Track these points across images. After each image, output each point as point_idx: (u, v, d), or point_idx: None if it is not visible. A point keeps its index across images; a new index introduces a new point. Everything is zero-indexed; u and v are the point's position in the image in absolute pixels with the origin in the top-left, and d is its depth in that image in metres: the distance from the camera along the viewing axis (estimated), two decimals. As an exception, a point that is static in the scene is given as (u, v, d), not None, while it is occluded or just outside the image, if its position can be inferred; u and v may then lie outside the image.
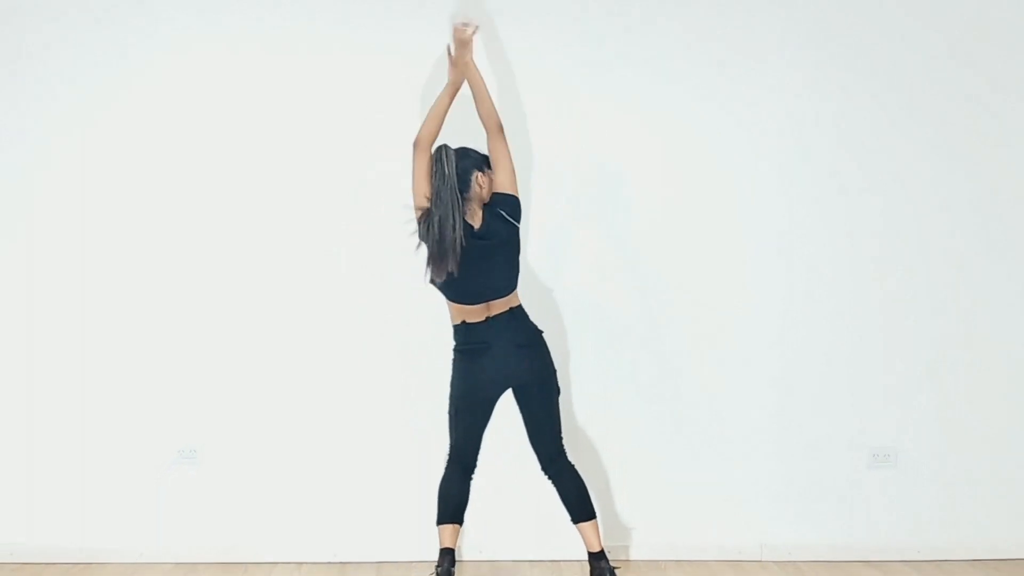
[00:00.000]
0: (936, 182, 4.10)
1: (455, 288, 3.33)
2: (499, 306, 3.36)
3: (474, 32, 3.34)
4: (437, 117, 3.39)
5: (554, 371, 3.47)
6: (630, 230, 4.05)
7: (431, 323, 3.94)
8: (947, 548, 4.09)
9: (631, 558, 4.00)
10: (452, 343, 3.47)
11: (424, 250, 3.33)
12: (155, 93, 3.97)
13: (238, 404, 4.03)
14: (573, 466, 3.50)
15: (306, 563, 3.98)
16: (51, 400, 4.01)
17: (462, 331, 3.40)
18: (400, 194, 3.75)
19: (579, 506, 3.45)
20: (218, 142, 4.00)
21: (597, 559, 3.43)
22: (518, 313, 3.41)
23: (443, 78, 3.60)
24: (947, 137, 4.10)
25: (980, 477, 4.11)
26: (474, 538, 3.96)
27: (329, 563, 3.99)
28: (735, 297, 4.08)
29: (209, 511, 4.02)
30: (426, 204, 3.28)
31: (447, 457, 3.52)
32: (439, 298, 3.67)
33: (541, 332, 3.46)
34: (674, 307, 4.07)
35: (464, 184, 3.29)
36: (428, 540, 3.84)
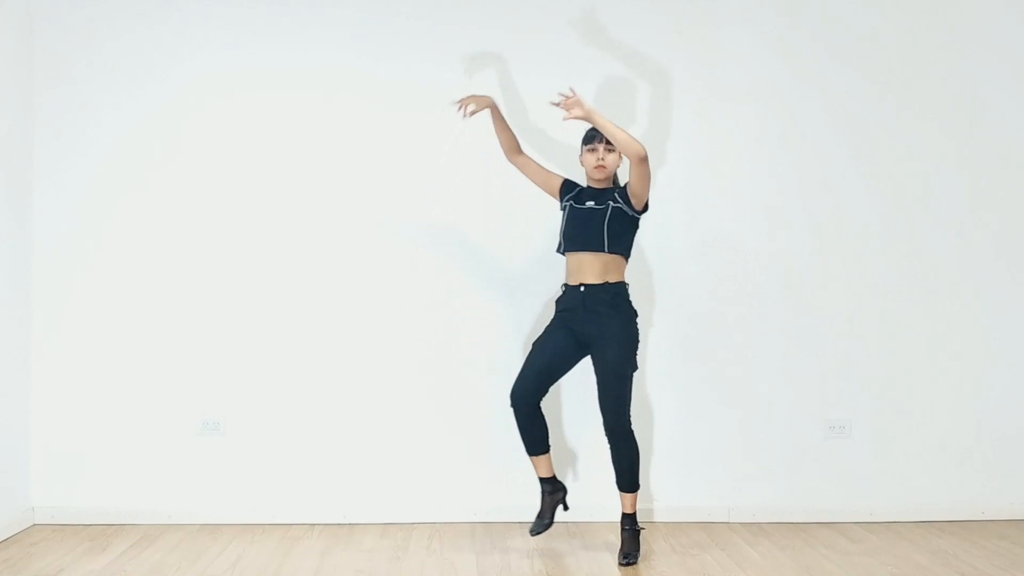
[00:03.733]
0: (894, 176, 4.22)
1: None
2: None
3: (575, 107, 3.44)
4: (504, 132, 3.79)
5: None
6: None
7: (436, 304, 4.12)
8: (896, 511, 4.19)
9: (612, 520, 3.97)
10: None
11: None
12: (207, 114, 4.11)
13: (258, 381, 4.12)
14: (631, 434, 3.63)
15: (318, 524, 4.07)
16: (90, 379, 4.09)
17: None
18: (399, 195, 3.94)
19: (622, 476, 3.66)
20: (248, 148, 4.12)
21: (627, 520, 3.66)
22: None
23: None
24: (907, 133, 4.22)
25: (925, 447, 4.23)
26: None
27: (339, 524, 4.08)
28: (709, 283, 4.19)
29: (231, 477, 4.11)
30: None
31: None
32: (443, 279, 3.97)
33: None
34: (661, 298, 4.17)
35: None
36: (428, 503, 4.07)
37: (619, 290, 3.61)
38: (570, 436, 4.18)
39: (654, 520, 4.13)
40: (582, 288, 3.58)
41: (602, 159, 3.60)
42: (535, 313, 4.13)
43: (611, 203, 3.58)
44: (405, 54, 4.15)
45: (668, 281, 4.18)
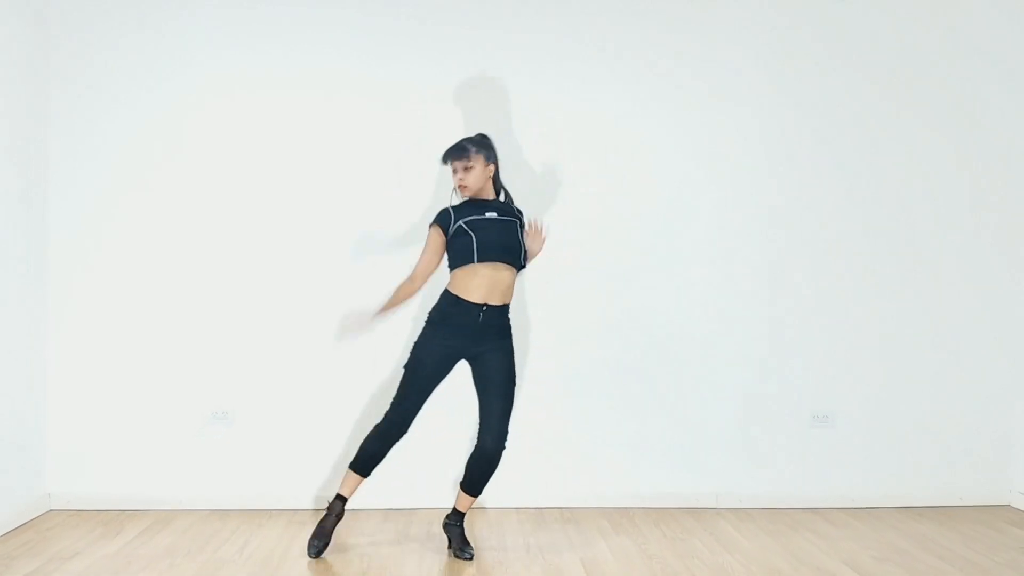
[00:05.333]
0: (877, 175, 4.26)
1: None
2: None
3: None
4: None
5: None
6: (620, 226, 4.19)
7: (436, 298, 4.05)
8: (877, 497, 4.25)
9: (605, 506, 4.14)
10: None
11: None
12: (215, 114, 4.14)
13: (265, 374, 4.15)
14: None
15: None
16: (104, 372, 4.12)
17: None
18: (401, 193, 3.98)
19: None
20: (255, 147, 4.14)
21: (459, 518, 3.55)
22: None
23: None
24: (885, 131, 4.26)
25: (905, 437, 4.29)
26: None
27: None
28: (700, 281, 4.23)
29: (239, 465, 4.15)
30: None
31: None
32: (443, 273, 3.83)
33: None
34: (652, 293, 4.20)
35: None
36: (428, 490, 4.11)
37: (508, 312, 3.47)
38: (552, 432, 4.22)
39: (645, 506, 4.19)
40: (484, 308, 3.38)
41: (461, 179, 3.46)
42: (533, 306, 4.17)
43: (517, 221, 3.49)
44: (405, 55, 4.18)
45: (663, 279, 4.22)
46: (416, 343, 3.48)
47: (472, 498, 3.54)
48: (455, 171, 3.48)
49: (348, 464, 3.59)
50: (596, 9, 4.21)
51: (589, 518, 4.04)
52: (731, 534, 3.84)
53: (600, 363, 4.21)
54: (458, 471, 4.10)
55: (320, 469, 4.18)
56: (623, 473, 4.19)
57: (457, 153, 3.47)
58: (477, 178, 3.46)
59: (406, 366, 3.48)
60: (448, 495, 4.12)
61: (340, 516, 3.57)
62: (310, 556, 3.47)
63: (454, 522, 3.56)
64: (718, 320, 4.26)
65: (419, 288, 3.54)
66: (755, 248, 4.26)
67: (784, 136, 4.26)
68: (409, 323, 4.10)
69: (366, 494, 4.05)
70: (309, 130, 4.17)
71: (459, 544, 3.52)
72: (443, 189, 4.13)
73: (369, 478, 4.02)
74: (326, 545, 3.50)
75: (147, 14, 4.13)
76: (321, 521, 3.56)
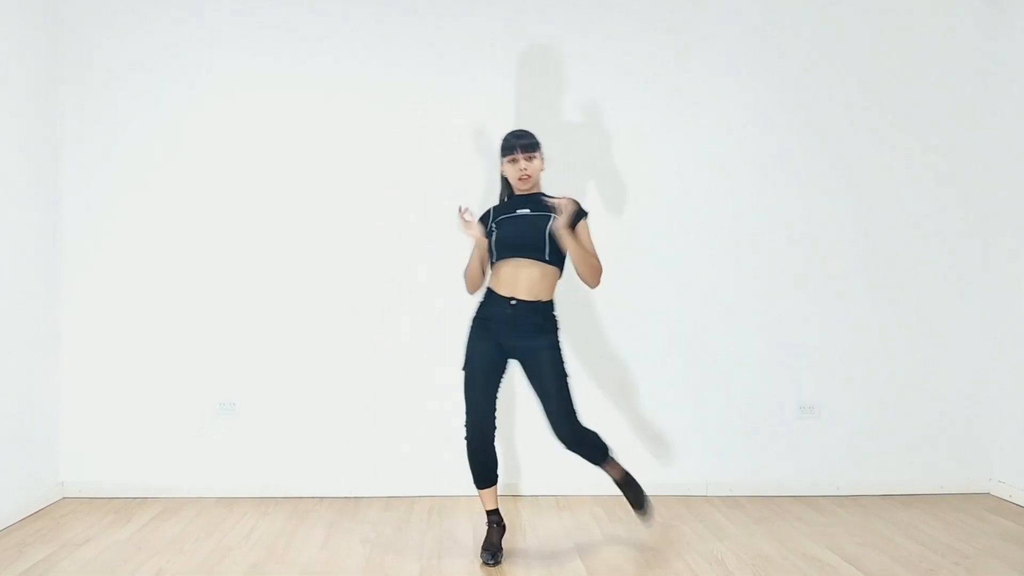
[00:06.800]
0: (862, 182, 4.27)
1: None
2: None
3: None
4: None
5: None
6: (619, 226, 4.19)
7: (437, 293, 4.15)
8: (861, 485, 4.29)
9: (600, 494, 4.15)
10: (469, 313, 3.45)
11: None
12: (219, 113, 4.15)
13: (270, 366, 4.19)
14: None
15: (326, 498, 4.14)
16: (115, 364, 4.16)
17: None
18: (403, 192, 4.00)
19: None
20: (264, 145, 4.16)
21: (620, 483, 3.46)
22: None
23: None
24: (873, 138, 4.27)
25: (889, 427, 4.32)
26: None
27: (346, 498, 4.15)
28: (693, 279, 4.25)
29: (245, 454, 4.18)
30: None
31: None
32: (444, 273, 3.93)
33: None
34: (647, 289, 4.23)
35: None
36: (429, 478, 4.13)
37: (548, 310, 3.31)
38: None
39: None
40: (513, 302, 3.27)
41: (525, 168, 3.32)
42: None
43: (552, 216, 3.28)
44: (405, 56, 4.20)
45: (657, 276, 4.24)
46: (467, 343, 3.38)
47: (607, 465, 3.41)
48: (516, 161, 3.33)
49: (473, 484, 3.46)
50: (593, 9, 4.23)
51: (584, 506, 4.07)
52: (720, 521, 3.87)
53: (594, 356, 4.23)
54: (457, 458, 4.09)
55: (324, 458, 4.21)
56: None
57: (524, 142, 3.34)
58: (537, 170, 3.36)
59: (463, 367, 3.38)
60: (447, 483, 4.15)
61: (501, 525, 3.44)
62: (486, 564, 3.30)
63: (623, 488, 3.47)
64: (709, 316, 4.28)
65: (479, 285, 3.43)
66: (745, 245, 4.28)
67: (775, 137, 4.29)
68: (416, 315, 4.14)
69: (367, 483, 4.17)
70: (309, 130, 4.19)
71: (630, 501, 3.47)
72: (444, 189, 4.20)
73: (371, 468, 4.17)
74: (495, 554, 3.33)
75: (154, 18, 4.16)
76: (487, 534, 3.43)
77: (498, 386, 3.37)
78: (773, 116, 4.28)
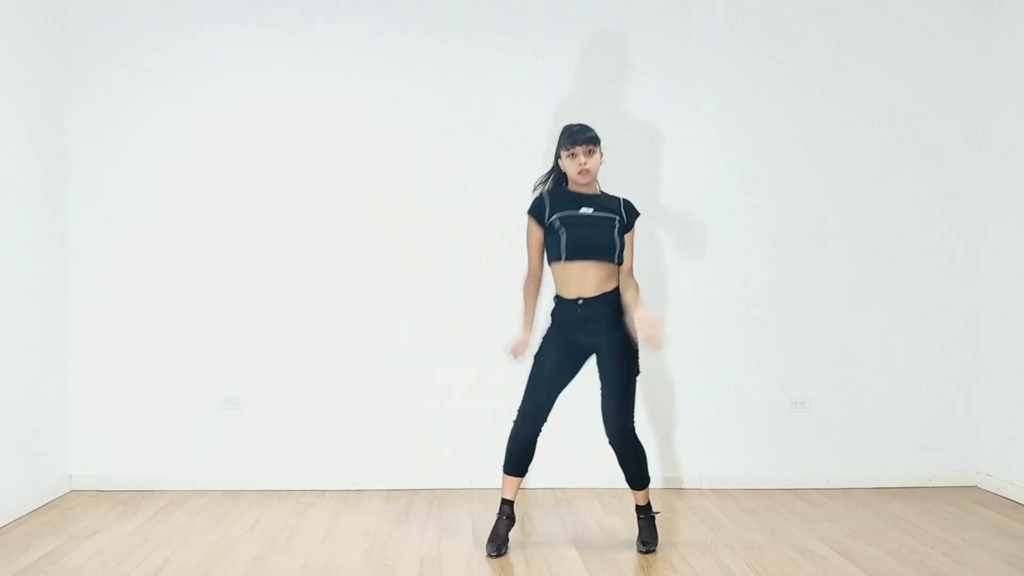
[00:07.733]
0: (853, 178, 4.28)
1: None
2: None
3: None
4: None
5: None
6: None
7: (437, 291, 4.17)
8: (852, 478, 4.31)
9: (596, 487, 4.18)
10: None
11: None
12: (222, 115, 4.17)
13: (274, 361, 4.21)
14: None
15: (328, 491, 4.16)
16: (122, 359, 4.18)
17: None
18: (404, 190, 4.01)
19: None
20: (267, 144, 4.18)
21: (642, 511, 3.42)
22: None
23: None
24: (868, 136, 4.28)
25: (879, 420, 4.34)
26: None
27: (347, 491, 4.17)
28: (686, 278, 4.26)
29: (249, 448, 4.20)
30: None
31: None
32: (449, 270, 3.99)
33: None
34: (641, 285, 4.12)
35: None
36: (429, 471, 4.15)
37: (616, 300, 3.28)
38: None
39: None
40: (580, 302, 3.26)
41: (584, 163, 3.25)
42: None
43: (617, 217, 3.30)
44: (405, 57, 4.21)
45: (651, 272, 4.20)
46: (542, 339, 3.36)
47: (638, 491, 3.38)
48: (575, 155, 3.26)
49: (502, 468, 3.41)
50: (592, 9, 4.24)
51: (580, 498, 4.08)
52: (714, 513, 3.89)
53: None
54: (456, 452, 4.19)
55: (326, 451, 4.24)
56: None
57: (585, 136, 3.27)
58: (596, 164, 3.29)
59: (534, 355, 3.36)
60: (446, 475, 4.19)
61: (511, 518, 3.40)
62: (490, 556, 3.29)
63: (639, 515, 3.42)
64: (701, 311, 4.29)
65: (539, 279, 3.41)
66: (737, 242, 4.29)
67: (765, 133, 4.29)
68: (416, 312, 4.16)
69: (369, 477, 4.19)
70: (310, 131, 4.21)
71: (640, 536, 3.40)
72: (443, 189, 4.22)
73: (375, 460, 4.18)
74: (500, 546, 3.32)
75: (158, 21, 4.17)
76: (494, 525, 3.39)
77: (563, 387, 3.34)
78: (761, 113, 4.28)
